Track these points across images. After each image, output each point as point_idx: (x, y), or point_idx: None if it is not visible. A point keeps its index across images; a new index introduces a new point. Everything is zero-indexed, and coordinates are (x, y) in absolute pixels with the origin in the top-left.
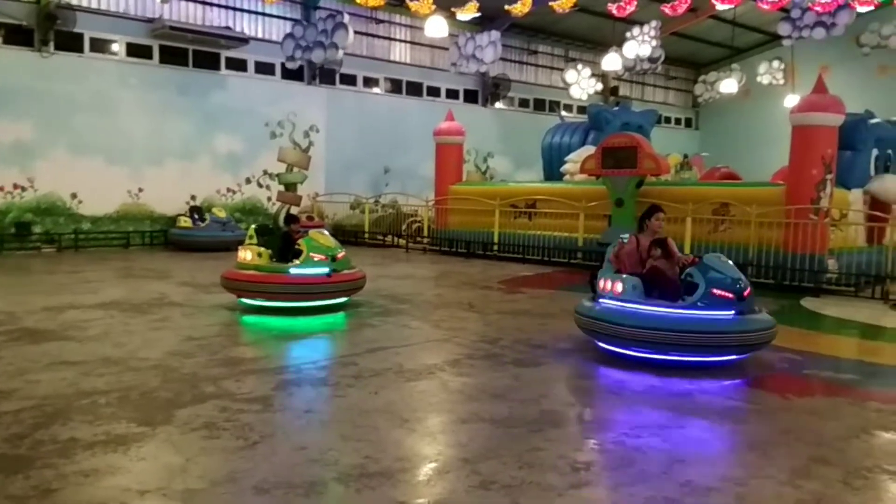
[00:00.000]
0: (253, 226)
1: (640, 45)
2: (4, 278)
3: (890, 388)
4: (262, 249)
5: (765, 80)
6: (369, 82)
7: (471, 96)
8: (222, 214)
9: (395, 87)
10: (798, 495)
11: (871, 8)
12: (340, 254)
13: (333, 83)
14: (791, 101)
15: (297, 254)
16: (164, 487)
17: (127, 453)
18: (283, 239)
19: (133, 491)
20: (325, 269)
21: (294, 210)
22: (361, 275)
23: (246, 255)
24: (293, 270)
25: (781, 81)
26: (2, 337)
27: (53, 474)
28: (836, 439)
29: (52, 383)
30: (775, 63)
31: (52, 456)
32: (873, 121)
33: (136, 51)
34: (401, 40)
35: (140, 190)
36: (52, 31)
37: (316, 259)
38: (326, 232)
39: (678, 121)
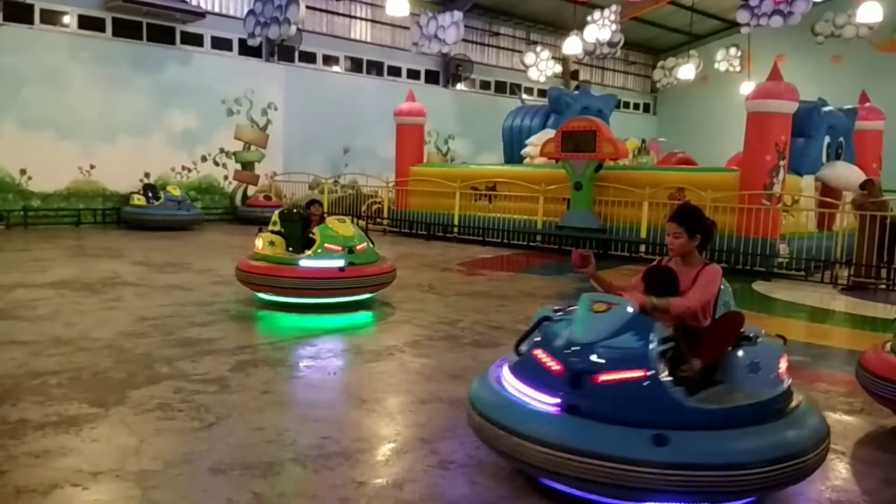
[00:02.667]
0: (277, 210)
1: (601, 29)
2: None
3: (837, 370)
4: (276, 238)
5: (722, 66)
6: (329, 60)
7: (432, 77)
8: (177, 193)
9: (356, 65)
10: None
11: None
12: (361, 245)
13: (292, 61)
14: (747, 88)
15: (312, 243)
16: (118, 469)
17: (79, 434)
18: (302, 225)
19: (85, 472)
20: (340, 263)
21: (251, 190)
22: (389, 268)
23: (258, 243)
24: (303, 262)
25: (738, 69)
26: None
27: (3, 455)
28: None
29: (1, 363)
30: (732, 50)
31: (2, 437)
32: (826, 109)
33: (88, 23)
34: (361, 18)
35: (92, 167)
36: (1, 2)
37: (330, 250)
38: (347, 220)
39: (636, 106)
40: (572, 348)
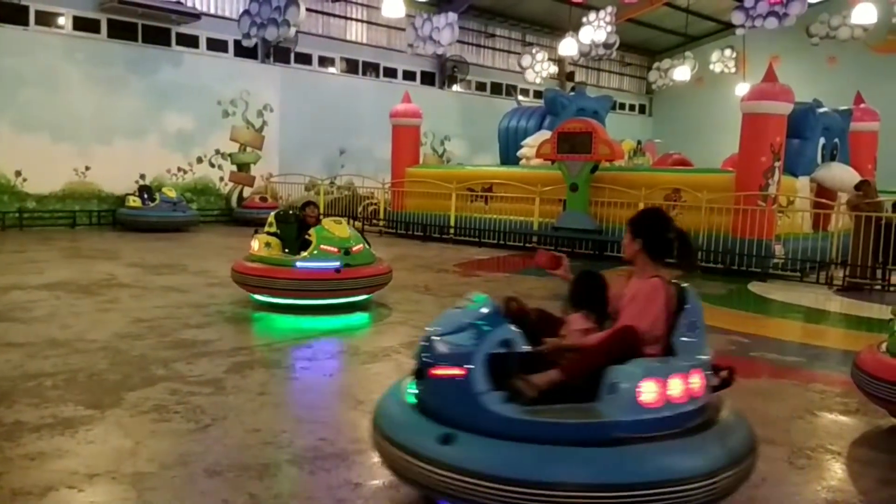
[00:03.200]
0: (273, 212)
1: (596, 30)
2: None
3: (833, 371)
4: (271, 239)
5: (717, 68)
6: (325, 62)
7: (428, 78)
8: (172, 194)
9: (351, 67)
10: None
11: None
12: (357, 246)
13: (288, 62)
14: (742, 89)
15: (308, 244)
16: (114, 471)
17: (74, 436)
18: (298, 227)
19: (81, 474)
20: (336, 264)
21: (247, 191)
22: (385, 269)
23: (254, 244)
24: (299, 264)
25: (733, 70)
26: None
27: None
28: (781, 420)
29: None
30: (727, 51)
31: None
32: (821, 110)
33: (83, 25)
34: (357, 20)
35: (87, 168)
36: None
37: (326, 251)
38: (343, 221)
39: (632, 107)
40: (424, 341)
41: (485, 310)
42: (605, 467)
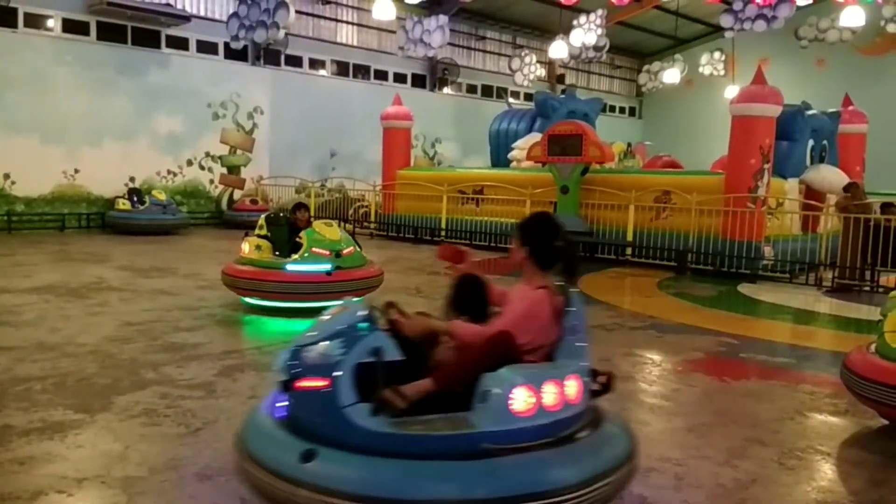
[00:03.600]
0: (264, 214)
1: (586, 33)
2: None
3: (822, 371)
4: (262, 242)
5: (706, 70)
6: (315, 64)
7: (419, 81)
8: (162, 197)
9: (342, 69)
10: (734, 475)
11: (810, 2)
12: (348, 249)
13: (278, 64)
14: (731, 91)
15: (299, 247)
16: (103, 475)
17: (64, 440)
18: (288, 230)
19: (70, 479)
20: (327, 267)
21: (237, 194)
22: (376, 272)
23: (244, 247)
24: (290, 267)
25: (722, 72)
26: None
27: None
28: (771, 421)
29: None
30: (717, 54)
31: None
32: (810, 112)
33: (72, 27)
34: (348, 22)
35: (76, 171)
36: None
37: (317, 254)
38: (334, 223)
39: (622, 109)
40: (292, 350)
41: (357, 316)
42: (471, 482)
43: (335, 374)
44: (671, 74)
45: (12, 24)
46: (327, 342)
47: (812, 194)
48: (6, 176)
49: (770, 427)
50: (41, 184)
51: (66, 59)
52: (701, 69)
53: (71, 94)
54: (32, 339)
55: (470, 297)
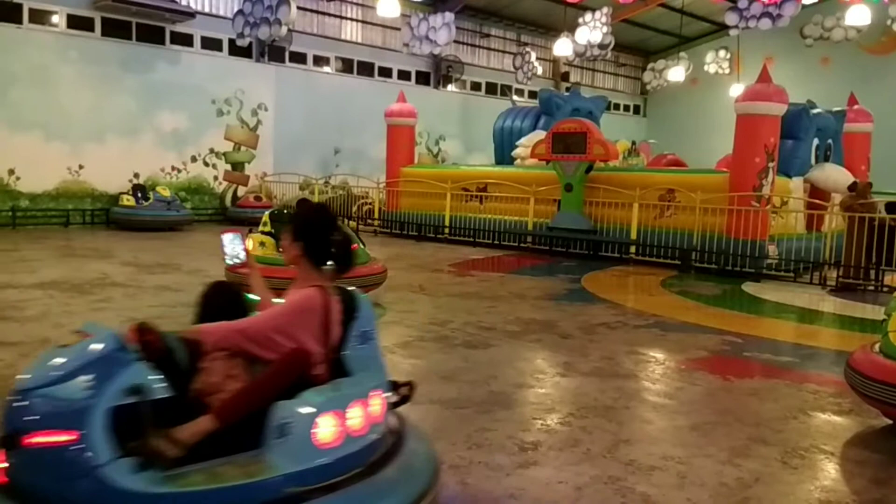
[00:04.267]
0: (268, 211)
1: (591, 31)
2: None
3: (826, 371)
4: (266, 238)
5: (711, 69)
6: (319, 61)
7: (423, 78)
8: (166, 193)
9: (346, 66)
10: (737, 474)
11: (816, 0)
12: (352, 246)
13: (283, 61)
14: (736, 90)
15: None
16: None
17: None
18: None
19: None
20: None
21: (241, 190)
22: (380, 269)
23: (248, 244)
24: None
25: (727, 71)
26: None
27: None
28: (775, 420)
29: None
30: (721, 52)
31: None
32: (815, 111)
33: (77, 23)
34: (352, 19)
35: (80, 167)
36: None
37: None
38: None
39: (627, 107)
40: (15, 395)
41: (103, 347)
42: None
43: (84, 422)
44: (676, 72)
45: (17, 19)
46: (69, 381)
47: (817, 193)
48: (10, 171)
49: (773, 426)
50: (45, 179)
51: (70, 55)
52: (706, 67)
53: (75, 90)
54: (36, 334)
55: (223, 311)
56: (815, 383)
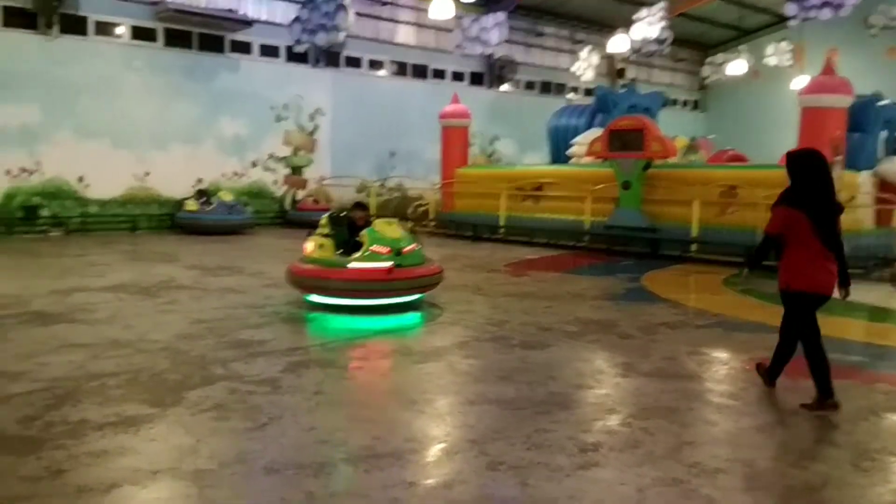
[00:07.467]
0: (326, 213)
1: (648, 26)
2: (12, 261)
3: None
4: (324, 240)
5: (772, 61)
6: (374, 65)
7: (476, 79)
8: (229, 198)
9: (400, 69)
10: (805, 476)
11: None
12: (408, 247)
13: (338, 66)
14: (799, 82)
15: (360, 246)
16: (175, 468)
17: (137, 434)
18: (348, 229)
19: (144, 471)
20: (388, 265)
21: (300, 194)
22: (436, 270)
23: (308, 246)
24: (352, 265)
25: (790, 63)
26: (11, 320)
27: (64, 455)
28: (844, 421)
29: (62, 365)
30: (783, 44)
31: (63, 437)
32: (882, 102)
33: (140, 34)
34: (406, 22)
35: (146, 173)
36: (56, 15)
37: (378, 252)
38: (394, 222)
39: (685, 103)
40: None
41: None
42: None
43: None
44: (736, 66)
45: (83, 31)
46: None
47: (886, 187)
48: (80, 179)
49: (843, 427)
50: (113, 186)
51: (134, 65)
52: (767, 60)
53: (140, 98)
54: (107, 336)
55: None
56: (888, 383)
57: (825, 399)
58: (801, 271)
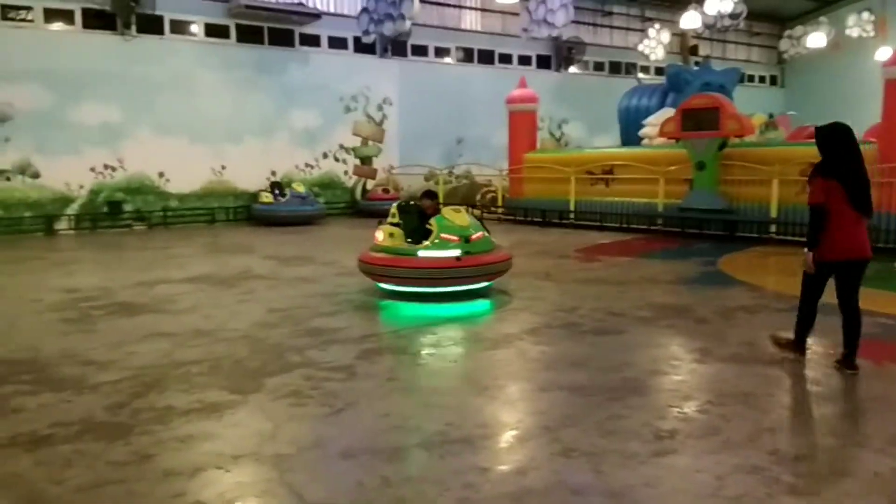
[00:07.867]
0: (395, 202)
1: (722, 1)
2: (99, 255)
3: None
4: (395, 230)
5: (854, 32)
6: (440, 52)
7: (543, 62)
8: (301, 189)
9: (467, 55)
10: (893, 464)
11: None
12: (476, 234)
13: (405, 55)
14: (883, 53)
15: (429, 233)
16: (256, 452)
17: (220, 420)
18: (418, 217)
19: (227, 455)
20: (456, 252)
21: (370, 184)
22: (505, 257)
23: (378, 235)
24: (421, 253)
25: (872, 34)
26: (99, 311)
27: (151, 440)
28: None
29: (148, 354)
30: (865, 14)
31: (150, 423)
32: None
33: (214, 31)
34: (471, 8)
35: (223, 167)
36: (134, 15)
37: (447, 240)
38: (462, 209)
39: (762, 79)
40: None
41: None
42: None
43: None
44: (816, 38)
45: (159, 30)
46: None
47: None
48: (161, 174)
49: None
50: (192, 180)
51: (209, 62)
52: (848, 31)
53: (215, 94)
54: (189, 325)
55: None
56: None
57: (798, 346)
58: (840, 240)
